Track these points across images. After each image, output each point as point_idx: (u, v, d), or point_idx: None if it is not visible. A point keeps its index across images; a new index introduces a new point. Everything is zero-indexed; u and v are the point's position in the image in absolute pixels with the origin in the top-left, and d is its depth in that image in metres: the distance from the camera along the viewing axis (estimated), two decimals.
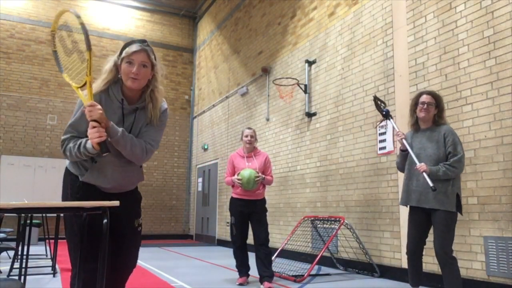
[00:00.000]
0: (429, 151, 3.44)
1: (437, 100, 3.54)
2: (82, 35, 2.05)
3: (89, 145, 2.03)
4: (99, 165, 2.17)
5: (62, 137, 2.15)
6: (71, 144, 2.10)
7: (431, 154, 3.42)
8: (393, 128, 3.81)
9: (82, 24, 2.04)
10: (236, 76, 10.17)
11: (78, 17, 2.04)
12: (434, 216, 3.34)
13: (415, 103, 3.59)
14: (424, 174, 3.31)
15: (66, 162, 2.25)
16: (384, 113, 3.91)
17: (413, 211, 3.51)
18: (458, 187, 3.38)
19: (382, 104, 4.06)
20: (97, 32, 12.08)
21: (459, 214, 3.39)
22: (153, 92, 2.25)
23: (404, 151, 3.61)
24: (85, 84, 2.07)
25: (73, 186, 2.18)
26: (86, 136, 2.04)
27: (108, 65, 2.20)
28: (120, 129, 2.09)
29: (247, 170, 4.66)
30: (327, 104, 6.63)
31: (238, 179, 4.64)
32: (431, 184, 3.23)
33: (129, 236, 2.31)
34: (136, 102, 2.24)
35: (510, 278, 3.85)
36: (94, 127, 1.97)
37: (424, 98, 3.52)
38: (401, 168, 3.71)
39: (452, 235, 3.30)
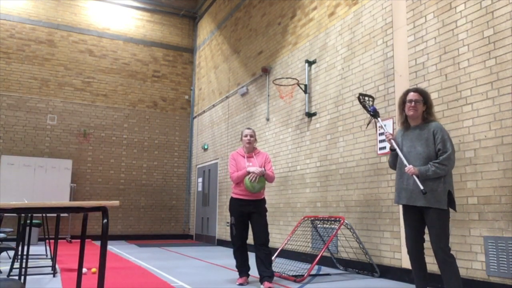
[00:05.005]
0: (418, 149, 3.43)
1: (424, 97, 3.50)
2: None
3: None
4: None
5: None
6: None
7: (421, 152, 3.41)
8: (382, 128, 3.77)
9: None
10: (236, 76, 10.17)
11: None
12: (427, 215, 3.33)
13: (402, 101, 3.57)
14: (414, 177, 3.32)
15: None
16: (371, 112, 3.87)
17: (406, 209, 3.50)
18: (450, 184, 3.36)
19: (370, 100, 3.97)
20: (97, 32, 12.09)
21: (456, 212, 3.35)
22: None
23: (393, 151, 3.61)
24: None
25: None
26: None
27: None
28: None
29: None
30: (327, 104, 6.63)
31: (249, 177, 4.67)
32: (421, 187, 3.25)
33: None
34: None
35: (510, 278, 3.85)
36: None
37: (411, 95, 3.50)
38: (392, 166, 3.72)
39: (447, 232, 3.28)
